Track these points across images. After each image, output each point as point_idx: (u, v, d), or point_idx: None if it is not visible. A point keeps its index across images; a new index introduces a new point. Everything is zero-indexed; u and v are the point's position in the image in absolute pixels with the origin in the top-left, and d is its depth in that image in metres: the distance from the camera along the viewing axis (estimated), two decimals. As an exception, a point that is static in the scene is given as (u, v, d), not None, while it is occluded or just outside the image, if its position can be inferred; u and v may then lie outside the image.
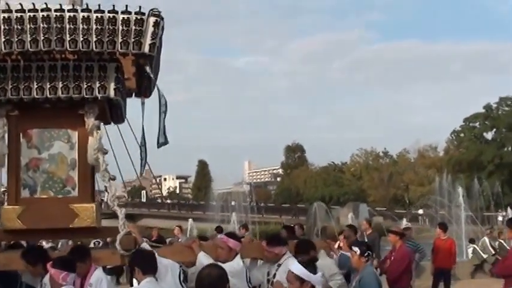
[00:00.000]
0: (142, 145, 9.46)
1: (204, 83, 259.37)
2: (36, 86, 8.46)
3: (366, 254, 8.86)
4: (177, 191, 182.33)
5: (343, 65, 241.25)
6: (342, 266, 10.12)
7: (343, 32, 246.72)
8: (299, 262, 5.65)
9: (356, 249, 8.91)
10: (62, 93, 8.47)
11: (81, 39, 8.12)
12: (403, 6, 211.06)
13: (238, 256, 8.16)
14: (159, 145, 9.46)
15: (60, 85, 8.43)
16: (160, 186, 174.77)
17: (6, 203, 8.74)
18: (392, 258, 11.81)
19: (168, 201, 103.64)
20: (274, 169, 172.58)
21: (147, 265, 6.89)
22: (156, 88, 9.45)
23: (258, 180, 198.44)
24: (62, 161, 8.82)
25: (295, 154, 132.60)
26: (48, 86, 8.47)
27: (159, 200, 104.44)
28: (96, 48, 8.22)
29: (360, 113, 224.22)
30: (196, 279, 5.30)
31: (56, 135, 8.86)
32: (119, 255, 8.23)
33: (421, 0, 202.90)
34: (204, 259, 7.94)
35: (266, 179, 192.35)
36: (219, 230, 22.51)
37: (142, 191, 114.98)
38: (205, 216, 50.29)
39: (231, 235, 8.60)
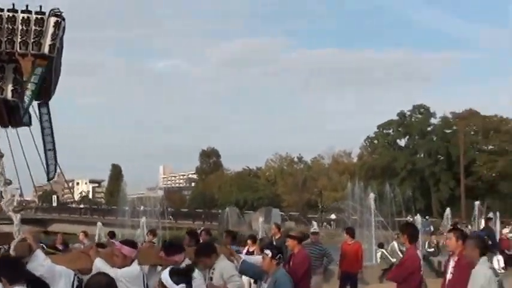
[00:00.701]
0: (50, 149, 9.12)
1: (121, 85, 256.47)
2: None
3: (277, 257, 9.02)
4: (90, 196, 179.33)
5: (262, 71, 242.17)
6: (245, 271, 10.13)
7: (264, 38, 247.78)
8: (171, 270, 5.52)
9: (268, 252, 9.05)
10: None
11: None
12: (324, 15, 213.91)
13: (135, 262, 7.98)
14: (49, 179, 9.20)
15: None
16: (72, 190, 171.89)
17: None
18: (291, 262, 11.80)
19: (82, 206, 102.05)
20: (189, 174, 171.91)
21: (14, 274, 6.17)
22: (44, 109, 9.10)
23: (173, 185, 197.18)
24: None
25: (210, 159, 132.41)
26: None
27: (72, 205, 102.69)
28: None
29: (276, 119, 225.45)
30: (85, 287, 5.15)
31: None
32: None
33: (342, 9, 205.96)
34: (100, 266, 7.77)
35: (181, 184, 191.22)
36: (111, 234, 22.21)
37: (53, 196, 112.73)
38: (116, 222, 49.51)
39: (126, 242, 8.35)
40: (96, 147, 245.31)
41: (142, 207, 46.97)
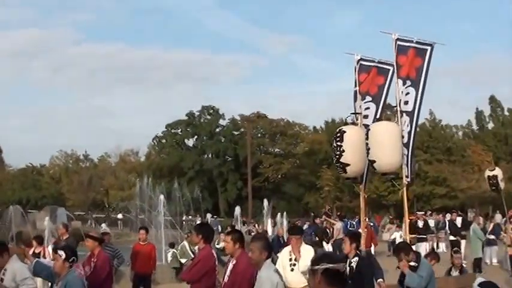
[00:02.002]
0: None
1: None
2: None
3: (70, 260, 8.61)
4: None
5: (46, 64, 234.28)
6: (38, 272, 9.51)
7: (48, 29, 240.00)
8: None
9: (61, 253, 8.61)
10: None
11: None
12: (112, 8, 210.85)
13: None
14: None
15: None
16: None
17: None
18: (93, 264, 11.20)
19: None
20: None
21: None
22: None
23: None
24: None
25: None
26: None
27: None
28: None
29: (61, 115, 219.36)
30: None
31: None
32: None
33: (131, 6, 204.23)
34: None
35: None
36: None
37: None
38: None
39: None
40: None
41: None
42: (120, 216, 66.53)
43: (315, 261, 4.99)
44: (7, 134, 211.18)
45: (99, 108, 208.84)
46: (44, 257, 15.30)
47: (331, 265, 4.91)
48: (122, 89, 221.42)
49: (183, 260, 23.06)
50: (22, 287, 9.00)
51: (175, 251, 24.64)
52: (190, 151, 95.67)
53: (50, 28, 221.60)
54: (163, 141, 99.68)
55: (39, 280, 10.63)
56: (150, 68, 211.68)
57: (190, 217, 54.19)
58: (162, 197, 33.76)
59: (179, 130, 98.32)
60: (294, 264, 11.28)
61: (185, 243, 24.10)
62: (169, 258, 25.11)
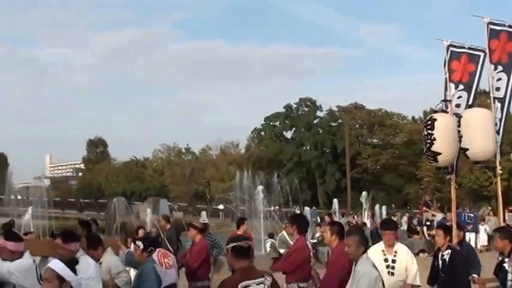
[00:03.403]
0: None
1: (4, 73, 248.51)
2: None
3: (148, 250, 9.14)
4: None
5: (148, 62, 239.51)
6: (129, 262, 10.08)
7: (150, 28, 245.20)
8: (62, 261, 5.27)
9: (140, 243, 9.16)
10: None
11: None
12: (209, 7, 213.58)
13: (27, 254, 7.74)
14: None
15: None
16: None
17: None
18: (191, 251, 11.82)
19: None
20: (76, 163, 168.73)
21: None
22: None
23: (60, 174, 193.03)
24: None
25: (97, 148, 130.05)
26: None
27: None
28: None
29: (163, 110, 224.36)
30: None
31: None
32: None
33: (226, 1, 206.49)
34: None
35: (68, 174, 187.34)
36: (8, 224, 21.64)
37: None
38: (2, 211, 48.00)
39: (9, 237, 7.96)
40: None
41: (28, 197, 45.65)
42: (221, 207, 67.40)
43: (226, 243, 7.05)
44: (112, 129, 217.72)
45: (199, 103, 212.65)
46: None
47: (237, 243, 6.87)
48: (222, 83, 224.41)
49: (281, 250, 23.07)
50: (117, 279, 9.60)
51: (274, 241, 24.72)
52: (288, 143, 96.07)
53: (151, 27, 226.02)
54: (262, 133, 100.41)
55: (132, 270, 11.21)
56: (248, 63, 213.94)
57: (288, 208, 54.57)
58: (261, 188, 34.22)
59: (277, 122, 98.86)
60: (393, 267, 9.82)
61: (284, 233, 24.26)
62: (268, 249, 25.30)
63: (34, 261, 7.83)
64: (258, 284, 6.72)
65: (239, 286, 6.62)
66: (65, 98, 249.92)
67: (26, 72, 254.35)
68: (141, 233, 16.64)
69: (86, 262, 7.86)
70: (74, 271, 5.22)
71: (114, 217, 37.16)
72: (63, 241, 8.12)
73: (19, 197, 47.00)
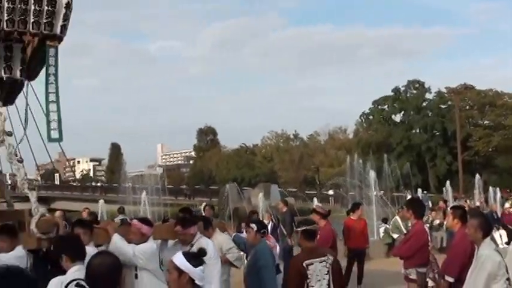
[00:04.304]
0: (53, 101, 8.73)
1: (115, 67, 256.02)
2: None
3: (262, 231, 9.58)
4: (91, 174, 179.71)
5: (255, 50, 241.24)
6: (237, 244, 10.49)
7: (256, 17, 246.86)
8: (183, 254, 5.51)
9: (253, 226, 9.52)
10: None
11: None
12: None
13: (151, 238, 8.16)
14: (51, 140, 8.86)
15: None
16: (73, 168, 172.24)
17: None
18: (318, 236, 12.13)
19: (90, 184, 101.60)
20: (186, 152, 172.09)
21: (76, 251, 6.16)
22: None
23: (171, 163, 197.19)
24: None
25: (207, 137, 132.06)
26: None
27: (74, 183, 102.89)
28: (7, 27, 8.04)
29: (271, 97, 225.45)
30: (88, 267, 5.12)
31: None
32: (35, 238, 7.88)
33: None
34: (118, 241, 7.96)
35: (179, 162, 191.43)
36: (120, 210, 23.28)
37: (56, 174, 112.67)
38: (117, 199, 49.67)
39: (144, 221, 8.48)
40: (95, 127, 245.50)
41: (142, 185, 46.98)
42: (331, 192, 67.48)
43: (297, 226, 8.42)
44: (221, 117, 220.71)
45: (307, 89, 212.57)
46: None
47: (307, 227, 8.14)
48: (329, 68, 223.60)
49: (395, 235, 23.04)
50: (228, 255, 9.93)
51: (387, 226, 24.69)
52: (397, 126, 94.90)
53: (257, 15, 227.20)
54: (371, 117, 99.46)
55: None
56: (355, 47, 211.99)
57: (400, 193, 54.01)
58: (372, 172, 34.02)
59: (386, 106, 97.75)
60: None
61: (397, 218, 24.12)
62: (381, 234, 25.22)
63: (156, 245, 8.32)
64: (320, 262, 7.73)
65: (304, 263, 7.66)
66: (175, 89, 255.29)
67: (137, 65, 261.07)
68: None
69: (205, 243, 8.25)
70: (201, 262, 5.45)
71: (227, 202, 37.85)
72: (182, 227, 8.55)
73: (133, 185, 48.43)
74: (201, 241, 8.39)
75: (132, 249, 7.85)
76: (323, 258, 7.77)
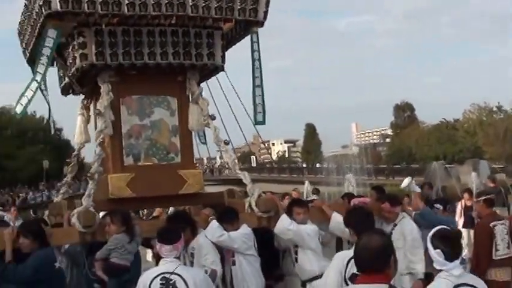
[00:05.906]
0: (258, 86, 9.20)
1: (305, 46, 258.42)
2: (134, 52, 8.45)
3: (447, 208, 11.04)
4: (286, 155, 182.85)
5: (453, 19, 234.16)
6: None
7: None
8: (436, 233, 4.77)
9: (438, 206, 10.75)
10: (162, 59, 8.56)
11: (191, 3, 8.19)
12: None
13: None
14: (257, 123, 9.33)
15: (159, 51, 8.54)
16: (269, 150, 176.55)
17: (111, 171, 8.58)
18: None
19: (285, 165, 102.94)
20: (382, 130, 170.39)
21: (362, 224, 6.25)
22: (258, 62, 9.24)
23: (366, 141, 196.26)
24: (164, 127, 8.86)
25: (404, 113, 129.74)
26: (148, 52, 8.49)
27: (272, 165, 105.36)
28: (216, 14, 8.46)
29: (472, 69, 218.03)
30: (355, 250, 4.25)
31: (156, 102, 8.88)
32: (255, 217, 8.49)
33: None
34: (339, 218, 7.92)
35: (374, 140, 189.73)
36: (315, 191, 23.57)
37: (252, 156, 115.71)
38: (316, 179, 49.48)
39: (392, 201, 8.67)
40: (289, 108, 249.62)
41: (344, 164, 46.36)
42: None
43: (478, 195, 10.48)
44: (419, 91, 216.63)
45: (509, 57, 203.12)
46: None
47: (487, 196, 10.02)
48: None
49: None
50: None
51: None
52: None
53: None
54: None
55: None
56: None
57: None
58: None
59: None
60: None
61: None
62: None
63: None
64: (501, 224, 9.50)
65: (491, 225, 9.43)
66: (368, 66, 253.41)
67: (326, 43, 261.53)
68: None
69: (408, 223, 8.58)
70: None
71: (434, 181, 36.53)
72: (391, 205, 8.63)
73: (331, 165, 48.35)
74: (404, 221, 8.60)
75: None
76: (502, 221, 9.61)
